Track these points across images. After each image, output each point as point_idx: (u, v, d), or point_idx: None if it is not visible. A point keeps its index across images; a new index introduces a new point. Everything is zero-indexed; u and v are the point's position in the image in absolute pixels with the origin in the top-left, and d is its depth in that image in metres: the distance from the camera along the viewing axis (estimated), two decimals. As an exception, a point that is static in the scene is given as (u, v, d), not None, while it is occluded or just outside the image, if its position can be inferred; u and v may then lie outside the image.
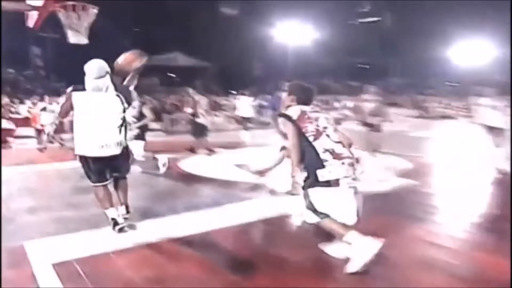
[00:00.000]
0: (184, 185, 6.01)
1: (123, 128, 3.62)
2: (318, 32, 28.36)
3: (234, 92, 21.08)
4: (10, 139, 10.61)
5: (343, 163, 2.77)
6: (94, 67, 3.51)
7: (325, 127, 2.88)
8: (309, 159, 2.80)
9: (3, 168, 7.35)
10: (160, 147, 10.20)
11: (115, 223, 3.68)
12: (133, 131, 6.37)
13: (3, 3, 4.65)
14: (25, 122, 11.85)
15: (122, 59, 3.99)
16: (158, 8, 25.91)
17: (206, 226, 3.92)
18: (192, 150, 9.10)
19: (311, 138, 2.81)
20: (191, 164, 7.69)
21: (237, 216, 4.24)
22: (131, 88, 4.05)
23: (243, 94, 13.31)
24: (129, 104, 3.66)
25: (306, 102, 3.02)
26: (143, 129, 6.66)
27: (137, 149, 6.51)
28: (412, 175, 6.35)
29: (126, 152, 3.78)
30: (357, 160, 2.87)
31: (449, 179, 6.41)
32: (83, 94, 3.53)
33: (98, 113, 3.51)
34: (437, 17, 26.84)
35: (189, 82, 28.44)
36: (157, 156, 6.84)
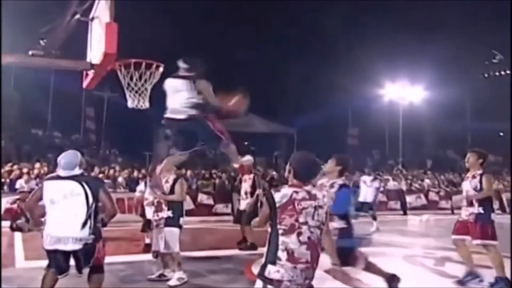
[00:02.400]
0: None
1: (87, 224, 4.45)
2: (434, 91, 27.72)
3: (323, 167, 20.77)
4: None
5: (295, 267, 3.17)
6: (63, 159, 4.61)
7: (304, 222, 3.23)
8: (267, 250, 3.26)
9: (27, 263, 7.64)
10: (221, 240, 10.04)
11: None
12: (164, 213, 6.26)
13: (59, 61, 5.08)
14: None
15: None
16: (230, 61, 27.56)
17: None
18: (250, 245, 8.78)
19: (280, 231, 3.22)
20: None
21: None
22: None
23: (363, 172, 13.25)
24: (96, 200, 4.52)
25: (306, 178, 3.37)
26: (176, 211, 6.35)
27: (170, 240, 6.19)
28: None
29: (90, 248, 4.50)
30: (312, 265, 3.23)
31: None
32: (53, 183, 4.56)
33: (61, 205, 4.45)
34: None
35: (267, 153, 29.05)
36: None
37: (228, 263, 7.71)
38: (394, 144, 28.66)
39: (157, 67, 5.60)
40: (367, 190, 12.18)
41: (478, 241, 5.96)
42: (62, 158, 4.63)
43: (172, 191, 6.39)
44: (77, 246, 4.43)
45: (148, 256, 7.38)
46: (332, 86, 27.12)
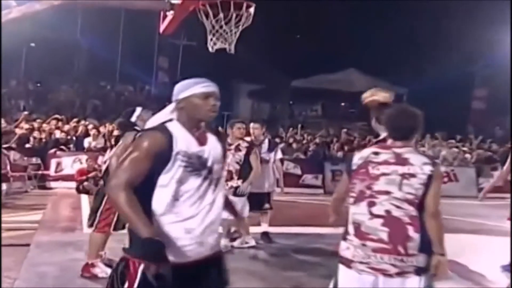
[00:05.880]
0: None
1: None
2: None
3: (437, 135, 20.21)
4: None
5: (364, 245, 3.09)
6: None
7: (383, 192, 3.10)
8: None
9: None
10: (310, 216, 10.09)
11: None
12: (234, 182, 6.82)
13: (134, 1, 5.29)
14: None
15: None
16: (328, 6, 27.03)
17: None
18: None
19: (350, 200, 3.23)
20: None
21: None
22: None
23: None
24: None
25: (398, 136, 3.25)
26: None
27: (239, 206, 6.71)
28: None
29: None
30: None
31: None
32: None
33: None
34: None
35: (369, 116, 28.38)
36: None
37: (317, 242, 7.81)
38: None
39: (248, 7, 5.57)
40: None
41: None
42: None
43: (245, 160, 6.88)
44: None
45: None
46: (457, 38, 25.85)
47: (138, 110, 5.83)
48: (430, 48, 27.35)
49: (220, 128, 6.91)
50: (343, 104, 30.35)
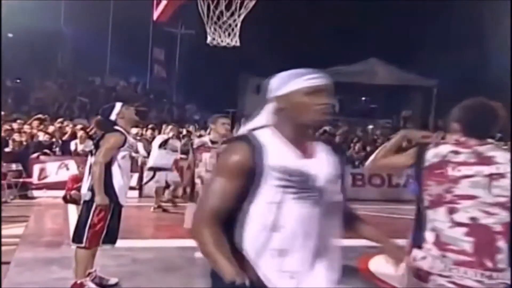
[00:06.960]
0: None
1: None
2: None
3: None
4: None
5: (444, 256, 3.01)
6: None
7: (467, 196, 3.01)
8: (413, 228, 3.23)
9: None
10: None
11: None
12: None
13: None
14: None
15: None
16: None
17: None
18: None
19: (425, 203, 3.13)
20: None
21: None
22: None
23: None
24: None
25: (476, 133, 3.15)
26: None
27: None
28: None
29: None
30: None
31: None
32: None
33: None
34: None
35: (393, 113, 28.28)
36: None
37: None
38: None
39: (250, -5, 5.58)
40: None
41: None
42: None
43: None
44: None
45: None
46: (494, 22, 25.68)
47: (118, 106, 5.76)
48: (463, 33, 27.25)
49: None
50: (363, 98, 30.26)
